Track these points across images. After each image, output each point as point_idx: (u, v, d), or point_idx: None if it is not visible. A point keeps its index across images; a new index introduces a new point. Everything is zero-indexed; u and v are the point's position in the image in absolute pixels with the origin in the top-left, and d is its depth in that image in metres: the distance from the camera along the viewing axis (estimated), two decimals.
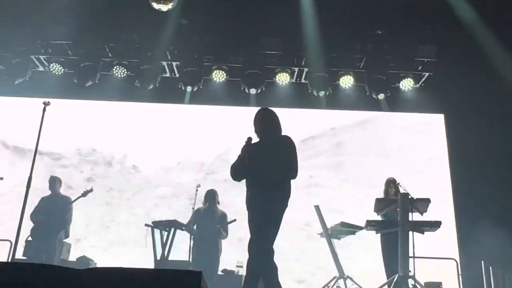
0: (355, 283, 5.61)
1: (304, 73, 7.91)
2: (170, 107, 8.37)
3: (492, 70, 7.08)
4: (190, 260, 5.95)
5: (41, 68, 8.00)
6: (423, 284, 5.17)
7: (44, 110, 4.53)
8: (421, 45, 7.60)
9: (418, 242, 5.07)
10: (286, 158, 3.93)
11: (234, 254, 6.35)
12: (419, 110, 8.18)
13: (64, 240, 6.51)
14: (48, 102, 4.56)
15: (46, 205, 6.41)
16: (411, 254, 5.01)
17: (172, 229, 5.95)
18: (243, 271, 5.58)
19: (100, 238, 7.67)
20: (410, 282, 4.94)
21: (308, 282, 7.36)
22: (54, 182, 6.60)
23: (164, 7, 5.95)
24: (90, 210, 7.63)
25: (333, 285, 5.56)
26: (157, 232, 6.00)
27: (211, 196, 6.36)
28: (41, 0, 6.68)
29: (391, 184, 5.81)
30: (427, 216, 5.28)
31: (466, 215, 7.35)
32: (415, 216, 5.18)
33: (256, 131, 4.13)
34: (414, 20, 7.02)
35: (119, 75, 7.79)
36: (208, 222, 6.17)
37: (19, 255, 5.74)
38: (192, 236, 6.03)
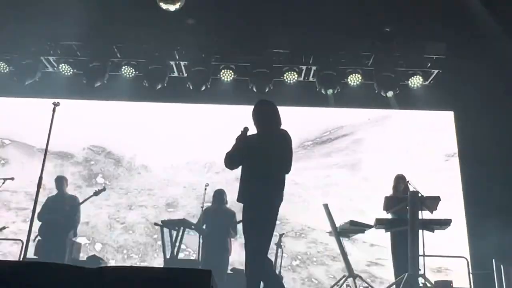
0: (365, 281, 5.59)
1: (312, 71, 7.89)
2: (178, 106, 8.40)
3: (502, 67, 7.01)
4: (200, 259, 5.98)
5: (50, 69, 8.06)
6: (433, 283, 5.13)
7: (53, 110, 4.57)
8: (430, 42, 7.54)
9: (428, 240, 5.04)
10: (281, 152, 3.84)
11: (243, 253, 6.35)
12: (428, 107, 8.12)
13: (74, 239, 6.56)
14: (58, 102, 4.59)
15: (53, 204, 6.43)
16: (421, 252, 4.98)
17: (182, 229, 5.97)
18: None
19: (109, 237, 7.72)
20: (420, 280, 4.91)
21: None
22: (61, 181, 6.63)
23: (171, 7, 5.96)
24: (99, 209, 7.69)
25: (343, 283, 5.54)
26: (166, 231, 6.02)
27: (220, 196, 6.37)
28: (50, 1, 6.72)
29: (400, 180, 5.79)
30: (437, 214, 5.24)
31: (477, 213, 7.29)
32: (425, 214, 5.15)
33: (254, 123, 4.05)
34: (423, 16, 6.96)
35: (128, 75, 7.83)
36: (217, 222, 6.19)
37: (30, 254, 5.80)
38: (201, 236, 6.05)
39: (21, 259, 5.32)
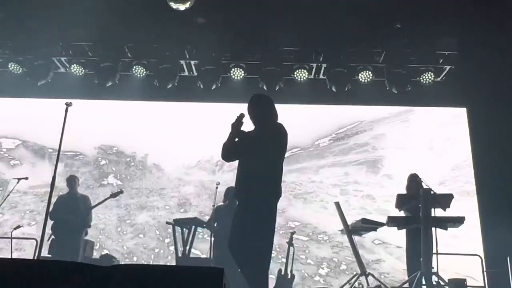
0: (377, 279, 5.56)
1: (322, 69, 7.86)
2: (189, 105, 8.43)
3: None
4: (211, 257, 5.99)
5: (62, 70, 8.15)
6: (446, 281, 5.09)
7: (66, 110, 4.60)
8: (442, 38, 7.46)
9: (442, 238, 5.00)
10: (267, 147, 3.74)
11: None
12: (440, 104, 8.05)
13: (87, 238, 6.61)
14: (70, 102, 4.62)
15: (65, 204, 6.44)
16: (434, 250, 4.94)
17: (193, 227, 6.00)
18: None
19: (122, 236, 7.78)
20: (434, 278, 4.87)
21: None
22: (73, 181, 6.68)
23: (181, 6, 5.97)
24: (110, 209, 7.75)
25: (355, 281, 5.52)
26: (178, 229, 6.05)
27: (231, 193, 6.37)
28: (61, 3, 6.78)
29: (413, 179, 5.74)
30: (450, 212, 5.19)
31: (490, 210, 7.21)
32: (438, 212, 5.10)
33: (250, 118, 3.96)
34: (434, 12, 6.88)
35: (139, 75, 7.88)
36: (228, 220, 6.17)
37: (44, 253, 5.87)
38: (213, 234, 6.07)
39: (35, 258, 5.38)
